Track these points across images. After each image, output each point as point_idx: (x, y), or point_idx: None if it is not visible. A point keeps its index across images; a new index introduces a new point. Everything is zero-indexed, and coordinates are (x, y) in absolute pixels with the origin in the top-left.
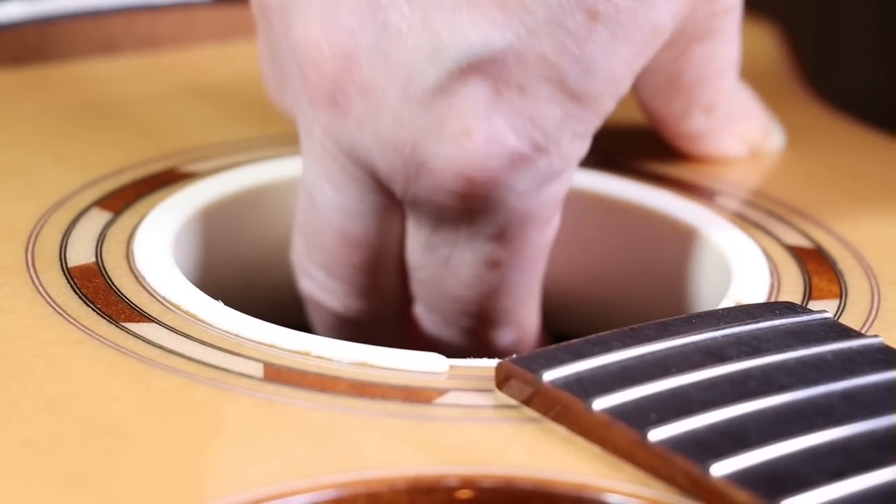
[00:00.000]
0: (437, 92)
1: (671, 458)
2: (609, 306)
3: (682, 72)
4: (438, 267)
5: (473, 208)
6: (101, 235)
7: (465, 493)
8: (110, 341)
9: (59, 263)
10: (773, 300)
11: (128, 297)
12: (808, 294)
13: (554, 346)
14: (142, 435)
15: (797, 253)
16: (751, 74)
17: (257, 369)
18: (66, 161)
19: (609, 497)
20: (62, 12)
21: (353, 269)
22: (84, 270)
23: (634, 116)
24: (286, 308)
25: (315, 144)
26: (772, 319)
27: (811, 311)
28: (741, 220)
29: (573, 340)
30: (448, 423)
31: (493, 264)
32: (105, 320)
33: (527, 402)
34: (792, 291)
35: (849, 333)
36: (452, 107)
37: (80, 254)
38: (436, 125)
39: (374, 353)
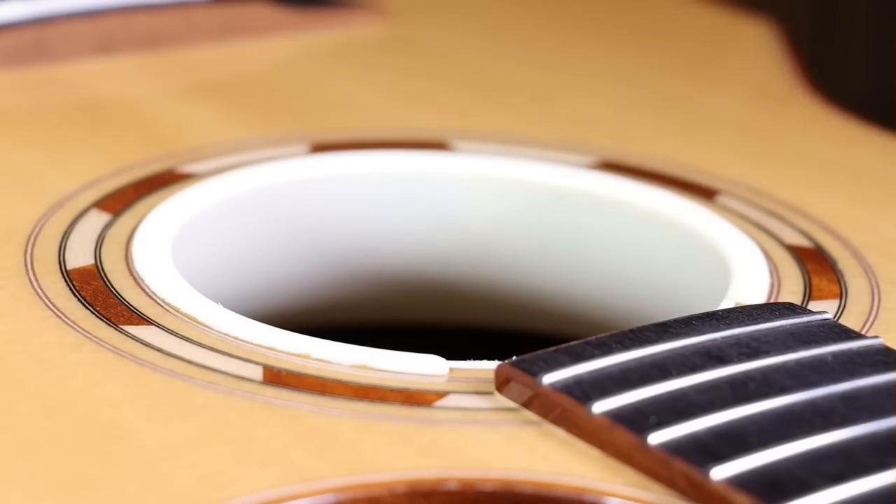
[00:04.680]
0: None
1: (671, 462)
2: (608, 307)
3: None
4: None
5: None
6: (100, 237)
7: (464, 497)
8: (109, 344)
9: (57, 266)
10: (772, 300)
11: (127, 299)
12: (808, 294)
13: (553, 348)
14: (141, 438)
15: (797, 253)
16: (751, 74)
17: (256, 372)
18: (64, 162)
19: (609, 500)
20: (60, 12)
21: None
22: (83, 273)
23: (635, 116)
24: (286, 310)
25: None
26: (772, 320)
27: (811, 312)
28: (741, 219)
29: (572, 343)
30: (447, 426)
31: None
32: (104, 323)
33: (526, 404)
34: (792, 291)
35: (849, 334)
36: None
37: (79, 256)
38: None
39: (374, 356)
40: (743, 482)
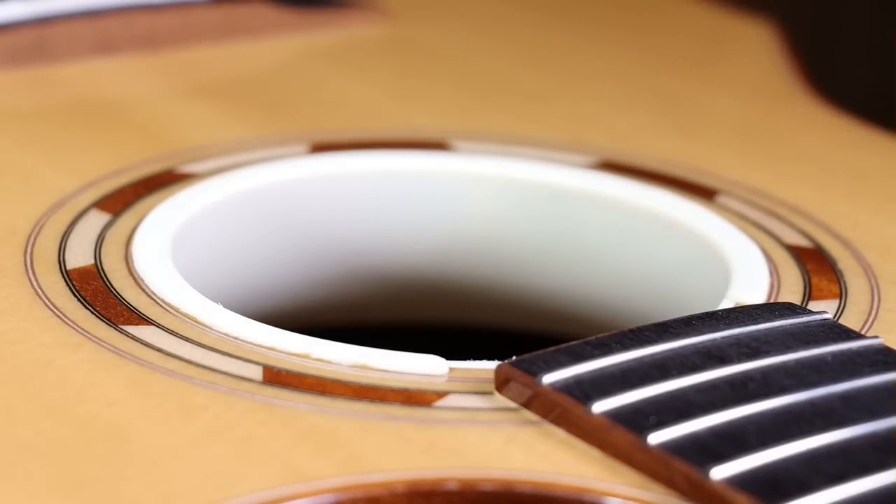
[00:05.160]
0: None
1: (671, 462)
2: (608, 307)
3: None
4: None
5: None
6: (100, 237)
7: (464, 497)
8: (109, 344)
9: (57, 266)
10: (772, 300)
11: (127, 299)
12: (808, 294)
13: (553, 348)
14: (141, 438)
15: (797, 253)
16: (751, 74)
17: (256, 372)
18: (64, 162)
19: (609, 500)
20: (61, 12)
21: None
22: (83, 273)
23: (635, 116)
24: (285, 310)
25: None
26: (771, 320)
27: (811, 312)
28: (741, 219)
29: (572, 342)
30: (447, 426)
31: None
32: (104, 323)
33: (526, 404)
34: (792, 291)
35: (849, 334)
36: None
37: (79, 256)
38: None
39: (374, 356)
40: (743, 482)
